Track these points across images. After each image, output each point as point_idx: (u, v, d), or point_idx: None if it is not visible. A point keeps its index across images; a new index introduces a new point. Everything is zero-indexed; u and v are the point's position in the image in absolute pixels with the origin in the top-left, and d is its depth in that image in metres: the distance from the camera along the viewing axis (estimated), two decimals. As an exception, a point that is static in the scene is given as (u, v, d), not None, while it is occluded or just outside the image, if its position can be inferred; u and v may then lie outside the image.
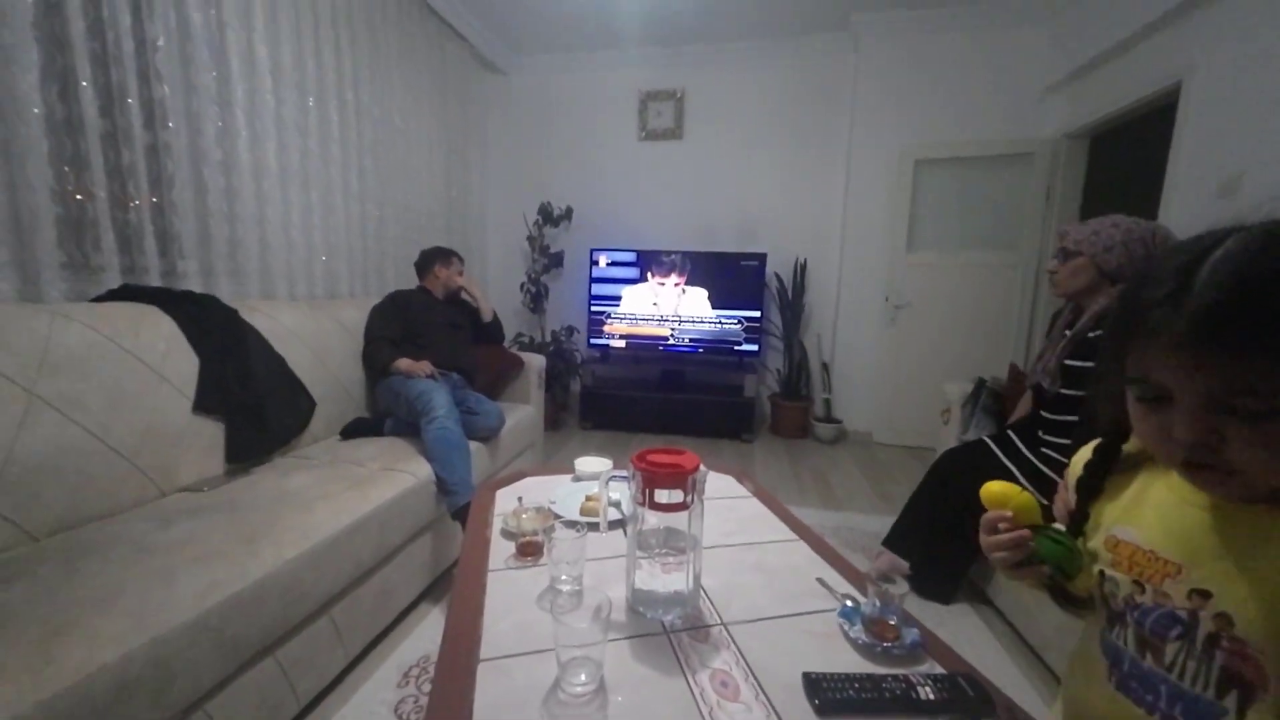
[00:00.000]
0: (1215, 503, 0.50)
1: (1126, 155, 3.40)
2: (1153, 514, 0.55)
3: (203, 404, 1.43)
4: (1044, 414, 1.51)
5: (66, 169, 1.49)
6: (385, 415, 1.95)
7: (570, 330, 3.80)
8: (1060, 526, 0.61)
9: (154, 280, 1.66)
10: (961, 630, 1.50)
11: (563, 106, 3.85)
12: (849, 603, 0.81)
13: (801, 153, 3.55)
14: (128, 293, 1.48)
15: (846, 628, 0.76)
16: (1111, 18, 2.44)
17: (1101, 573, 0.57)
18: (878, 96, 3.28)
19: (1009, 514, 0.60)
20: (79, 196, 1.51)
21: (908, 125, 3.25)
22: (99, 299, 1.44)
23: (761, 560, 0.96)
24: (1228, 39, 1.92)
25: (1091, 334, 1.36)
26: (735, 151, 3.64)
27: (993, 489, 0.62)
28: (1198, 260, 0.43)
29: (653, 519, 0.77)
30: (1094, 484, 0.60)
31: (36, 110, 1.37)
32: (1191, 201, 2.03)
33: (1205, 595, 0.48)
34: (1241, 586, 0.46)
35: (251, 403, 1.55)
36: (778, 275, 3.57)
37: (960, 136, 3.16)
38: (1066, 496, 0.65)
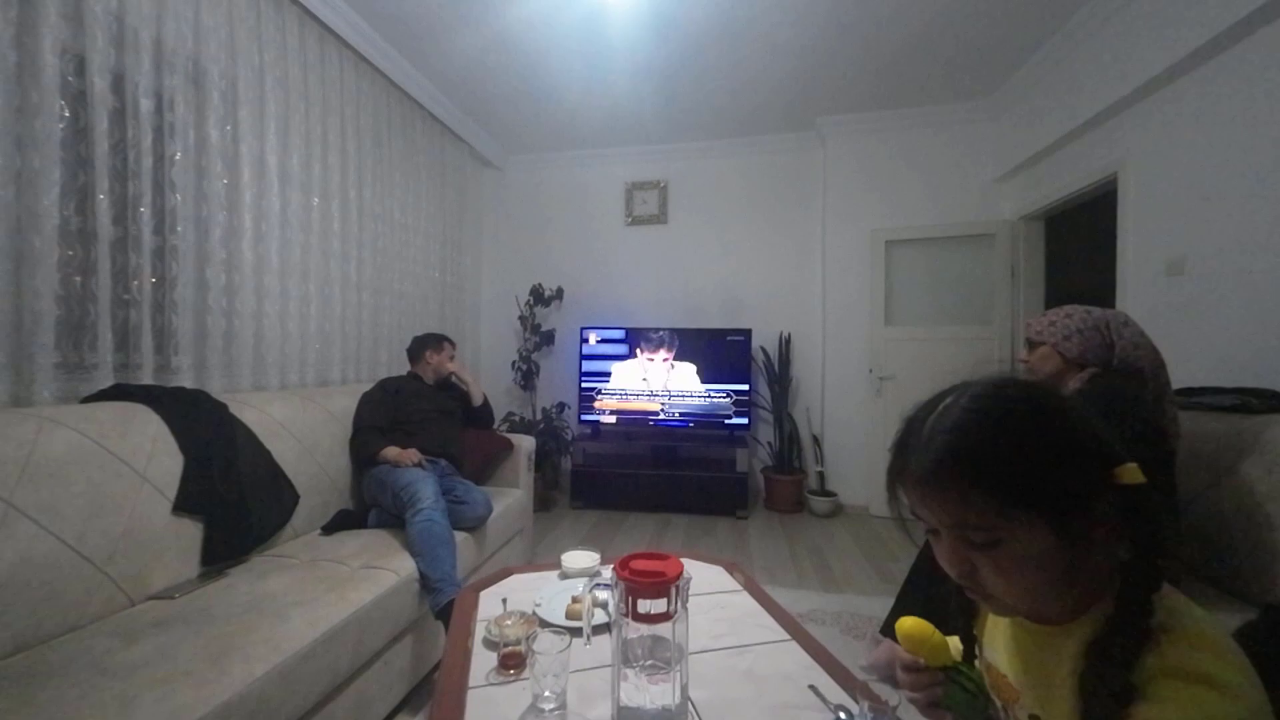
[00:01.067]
0: (1024, 624, 0.51)
1: (1085, 233, 3.63)
2: (1001, 637, 0.56)
3: (184, 503, 1.41)
4: None
5: (75, 276, 1.55)
6: (371, 506, 1.91)
7: (561, 406, 3.81)
8: (965, 667, 0.61)
9: (147, 376, 1.68)
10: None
11: (554, 196, 4.10)
12: (842, 715, 0.78)
13: (779, 234, 3.77)
14: (118, 392, 1.49)
15: (840, 746, 0.73)
16: (1050, 117, 2.70)
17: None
18: (846, 184, 3.54)
19: (921, 660, 0.60)
20: (82, 296, 1.56)
21: (876, 208, 3.47)
22: (89, 399, 1.45)
23: (752, 667, 0.93)
24: (1156, 135, 2.13)
25: None
26: (717, 234, 3.85)
27: (905, 627, 0.60)
28: (933, 409, 0.48)
29: (637, 627, 0.76)
30: (964, 603, 0.60)
31: (54, 223, 1.45)
32: (1145, 280, 2.16)
33: None
34: (1055, 711, 0.47)
35: (234, 499, 1.52)
36: (764, 349, 3.66)
37: (926, 219, 3.38)
38: None
